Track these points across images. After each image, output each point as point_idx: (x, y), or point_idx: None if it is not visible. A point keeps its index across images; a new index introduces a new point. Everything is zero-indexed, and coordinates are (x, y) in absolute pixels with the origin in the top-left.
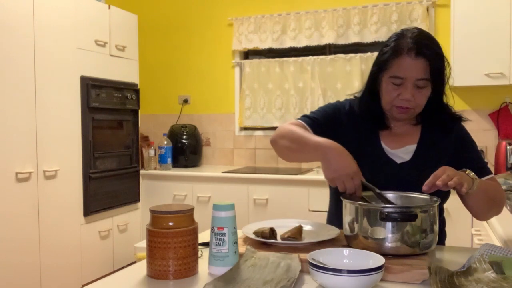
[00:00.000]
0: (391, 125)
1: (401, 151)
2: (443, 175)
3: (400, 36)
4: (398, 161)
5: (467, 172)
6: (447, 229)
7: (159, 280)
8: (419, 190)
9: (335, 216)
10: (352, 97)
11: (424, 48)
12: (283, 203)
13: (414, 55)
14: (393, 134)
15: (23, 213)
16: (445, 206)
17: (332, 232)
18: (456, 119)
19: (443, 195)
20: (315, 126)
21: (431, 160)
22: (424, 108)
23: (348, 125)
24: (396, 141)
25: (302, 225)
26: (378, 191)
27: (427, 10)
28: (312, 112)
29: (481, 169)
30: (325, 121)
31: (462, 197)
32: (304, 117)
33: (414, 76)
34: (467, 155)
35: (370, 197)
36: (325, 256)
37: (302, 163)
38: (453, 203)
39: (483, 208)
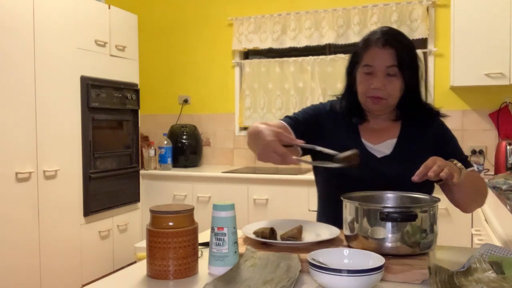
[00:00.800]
0: (370, 120)
1: (382, 146)
2: (434, 166)
3: (371, 33)
4: (379, 155)
5: (454, 162)
6: (447, 229)
7: (159, 280)
8: (401, 183)
9: (323, 217)
10: (334, 98)
11: (390, 38)
12: (283, 203)
13: (381, 45)
14: (374, 130)
15: (23, 213)
16: (445, 206)
17: (332, 232)
18: (434, 115)
19: (425, 189)
20: (296, 126)
21: (411, 154)
22: (402, 104)
23: (329, 124)
24: (377, 137)
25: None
26: (318, 148)
27: (427, 10)
28: (294, 113)
29: (463, 162)
30: (305, 121)
31: (447, 188)
32: (286, 118)
33: (383, 64)
34: (447, 149)
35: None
36: (325, 256)
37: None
38: None
39: (469, 199)
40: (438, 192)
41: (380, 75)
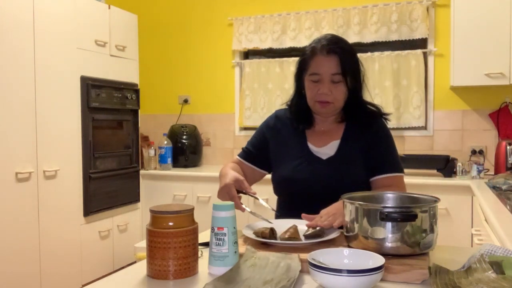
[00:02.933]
0: (317, 124)
1: (326, 148)
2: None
3: (316, 41)
4: (324, 157)
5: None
6: (447, 229)
7: (159, 280)
8: (345, 181)
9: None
10: (285, 106)
11: (334, 46)
12: None
13: (326, 53)
14: (319, 132)
15: (23, 213)
16: (445, 206)
17: (332, 232)
18: (376, 116)
19: (368, 185)
20: (249, 157)
21: (354, 154)
22: (346, 106)
23: (276, 136)
24: (322, 140)
25: (302, 226)
26: (259, 199)
27: (427, 10)
28: (247, 143)
29: (387, 164)
30: (255, 149)
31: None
32: (241, 152)
33: (328, 72)
34: (376, 150)
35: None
36: (325, 256)
37: None
38: (453, 203)
39: None
40: (437, 192)
41: (326, 82)
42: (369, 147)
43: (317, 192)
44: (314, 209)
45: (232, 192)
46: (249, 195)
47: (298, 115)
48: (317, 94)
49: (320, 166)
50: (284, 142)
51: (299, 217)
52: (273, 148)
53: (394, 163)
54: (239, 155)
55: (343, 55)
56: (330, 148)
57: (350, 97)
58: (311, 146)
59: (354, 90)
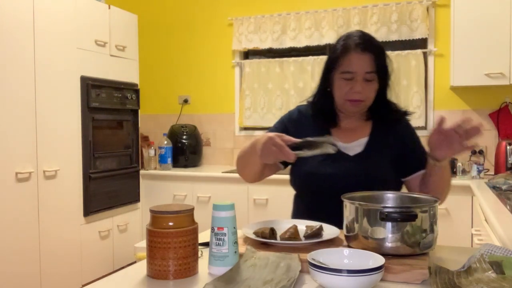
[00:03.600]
0: (341, 123)
1: (354, 144)
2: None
3: (346, 37)
4: (351, 153)
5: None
6: (447, 229)
7: (159, 280)
8: (373, 178)
9: (297, 216)
10: (305, 102)
11: (369, 44)
12: (283, 203)
13: (361, 50)
14: (345, 130)
15: (23, 213)
16: (445, 206)
17: (332, 232)
18: (402, 114)
19: (395, 184)
20: None
21: (382, 151)
22: (373, 104)
23: (298, 130)
24: (349, 136)
25: (302, 226)
26: (309, 138)
27: (427, 10)
28: (266, 132)
29: (423, 160)
30: None
31: (425, 177)
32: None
33: (363, 70)
34: (409, 148)
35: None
36: (325, 256)
37: None
38: (453, 203)
39: (443, 186)
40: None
41: (359, 80)
42: (401, 144)
43: (342, 189)
44: (336, 208)
45: (278, 142)
46: (296, 145)
47: (321, 113)
48: (349, 92)
49: (347, 162)
50: (306, 137)
51: (317, 217)
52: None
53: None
54: None
55: (378, 53)
56: (358, 145)
57: (378, 95)
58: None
59: (382, 88)
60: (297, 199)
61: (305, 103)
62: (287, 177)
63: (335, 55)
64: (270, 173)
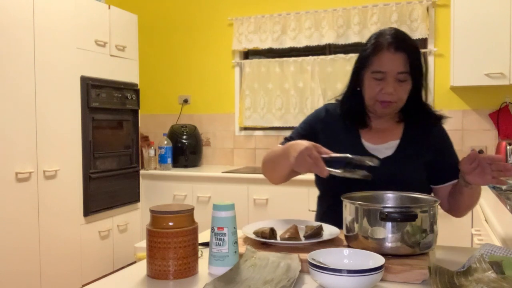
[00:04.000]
0: (371, 124)
1: (384, 146)
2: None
3: (379, 35)
4: (381, 156)
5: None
6: (447, 229)
7: (159, 280)
8: (402, 183)
9: (322, 218)
10: (333, 101)
11: (402, 43)
12: (283, 203)
13: (393, 50)
14: (375, 131)
15: (23, 213)
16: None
17: (332, 232)
18: (436, 118)
19: (425, 191)
20: None
21: (413, 155)
22: (406, 106)
23: (326, 130)
24: (379, 137)
25: (302, 226)
26: (350, 156)
27: (427, 10)
28: (291, 133)
29: (456, 170)
30: (302, 139)
31: (455, 192)
32: (284, 141)
33: (395, 70)
34: (443, 155)
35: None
36: (325, 256)
37: None
38: None
39: (471, 203)
40: None
41: (391, 80)
42: (434, 151)
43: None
44: None
45: (314, 154)
46: (335, 159)
47: (350, 113)
48: (380, 93)
49: (381, 167)
50: (335, 137)
51: (340, 220)
52: (323, 143)
53: None
54: (282, 144)
55: (412, 52)
56: (388, 147)
57: (411, 97)
58: (366, 143)
59: (416, 89)
60: (321, 200)
61: (333, 101)
62: None
63: (366, 53)
64: (296, 175)
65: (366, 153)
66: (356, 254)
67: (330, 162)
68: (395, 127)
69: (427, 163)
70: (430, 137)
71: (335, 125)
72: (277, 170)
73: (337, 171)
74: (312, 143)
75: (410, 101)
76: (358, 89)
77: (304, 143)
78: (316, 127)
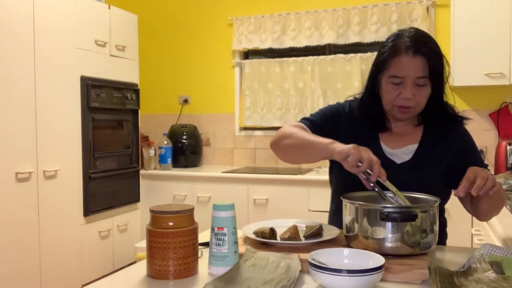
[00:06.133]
0: (391, 126)
1: (402, 151)
2: (478, 180)
3: (397, 36)
4: (398, 161)
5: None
6: (447, 229)
7: (159, 280)
8: (419, 190)
9: (335, 217)
10: (352, 98)
11: (421, 46)
12: (283, 203)
13: (412, 54)
14: (394, 134)
15: (23, 213)
16: (445, 206)
17: (332, 232)
18: (458, 121)
19: (444, 196)
20: (314, 129)
21: (432, 160)
22: (425, 108)
23: (347, 126)
24: (397, 141)
25: (302, 226)
26: (389, 196)
27: (427, 10)
28: (311, 115)
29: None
30: (323, 124)
31: (471, 199)
32: (304, 120)
33: (413, 75)
34: (470, 158)
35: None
36: (325, 256)
37: (302, 164)
38: (453, 203)
39: (493, 208)
40: None
41: (409, 86)
42: (458, 155)
43: None
44: None
45: (381, 171)
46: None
47: (368, 116)
48: (398, 98)
49: (392, 171)
50: (356, 137)
51: None
52: (342, 136)
53: (487, 168)
54: (303, 123)
55: (432, 56)
56: (405, 152)
57: (431, 100)
58: (384, 147)
59: (437, 92)
60: (332, 199)
61: (352, 98)
62: (287, 177)
63: (383, 57)
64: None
65: (384, 158)
66: (356, 254)
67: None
68: (414, 131)
69: (447, 167)
70: (450, 139)
71: (356, 124)
72: (306, 157)
73: (378, 191)
74: (377, 159)
75: (430, 103)
76: (376, 91)
77: (367, 151)
78: (340, 119)
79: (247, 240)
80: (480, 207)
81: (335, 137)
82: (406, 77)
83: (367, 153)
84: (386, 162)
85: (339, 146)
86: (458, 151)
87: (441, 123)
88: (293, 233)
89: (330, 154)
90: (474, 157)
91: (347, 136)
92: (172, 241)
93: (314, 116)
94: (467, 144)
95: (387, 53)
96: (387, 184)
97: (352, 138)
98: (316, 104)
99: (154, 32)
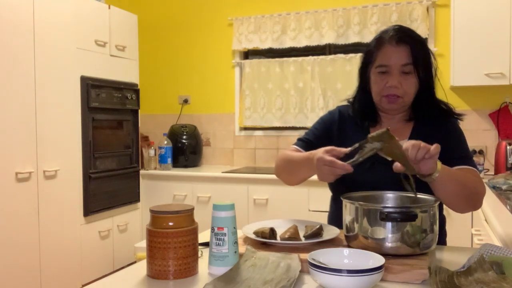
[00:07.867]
0: (383, 124)
1: None
2: (409, 150)
3: (382, 31)
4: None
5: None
6: (447, 228)
7: (159, 280)
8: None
9: (334, 218)
10: (345, 102)
11: (404, 35)
12: (283, 203)
13: (395, 43)
14: None
15: (23, 213)
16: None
17: (332, 232)
18: (448, 116)
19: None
20: (307, 147)
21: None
22: (416, 103)
23: (339, 132)
24: None
25: (302, 225)
26: (357, 144)
27: (427, 10)
28: (305, 133)
29: (463, 159)
30: (317, 139)
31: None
32: (297, 141)
33: (398, 62)
34: (448, 147)
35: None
36: (325, 256)
37: None
38: None
39: (453, 198)
40: None
41: (395, 73)
42: (442, 147)
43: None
44: None
45: (328, 158)
46: (351, 153)
47: (361, 112)
48: (385, 87)
49: (385, 167)
50: (347, 138)
51: None
52: (336, 144)
53: (467, 158)
54: (296, 145)
55: (415, 44)
56: None
57: (421, 93)
58: None
59: (425, 85)
60: (332, 201)
61: (344, 103)
62: None
63: (369, 49)
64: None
65: (376, 155)
66: (356, 254)
67: (348, 157)
68: (404, 127)
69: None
70: (439, 133)
71: (347, 126)
72: (298, 176)
73: (353, 160)
74: (324, 148)
75: (421, 98)
76: (367, 88)
77: (318, 153)
78: (332, 128)
79: (247, 240)
80: (440, 194)
81: (332, 145)
82: (392, 66)
83: (317, 162)
84: (378, 160)
85: (314, 158)
86: (443, 140)
87: (432, 118)
88: (293, 233)
89: (314, 165)
90: (456, 144)
91: (340, 140)
92: (172, 241)
93: (307, 134)
94: (452, 134)
95: (372, 45)
96: (350, 149)
97: (345, 141)
98: (316, 104)
99: (154, 32)
